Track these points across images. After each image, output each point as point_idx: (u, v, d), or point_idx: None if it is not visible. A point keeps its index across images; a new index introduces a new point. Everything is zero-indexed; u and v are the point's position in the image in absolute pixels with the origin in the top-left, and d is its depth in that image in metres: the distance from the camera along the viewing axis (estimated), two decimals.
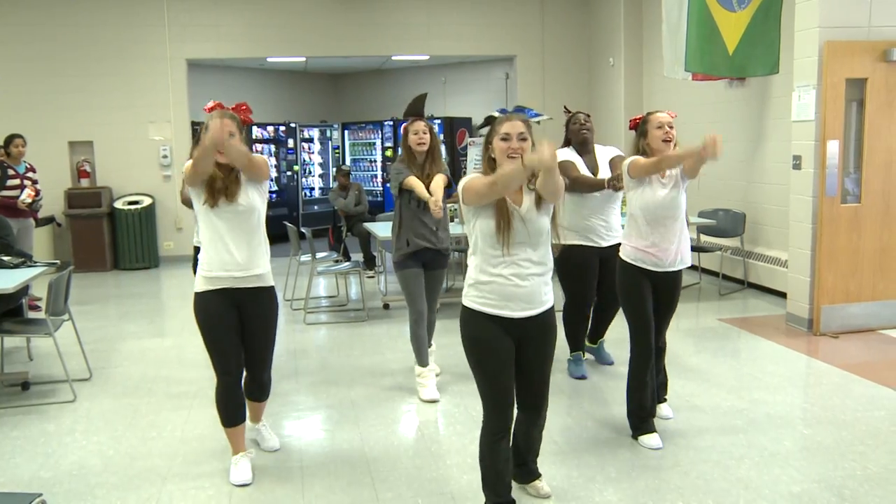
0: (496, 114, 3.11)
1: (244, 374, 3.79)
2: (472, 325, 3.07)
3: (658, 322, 4.11)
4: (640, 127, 4.10)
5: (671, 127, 3.97)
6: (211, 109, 3.62)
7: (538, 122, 3.15)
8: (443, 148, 12.90)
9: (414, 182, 4.68)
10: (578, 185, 4.83)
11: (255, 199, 3.61)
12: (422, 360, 4.92)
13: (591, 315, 5.22)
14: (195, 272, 4.65)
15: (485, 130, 3.19)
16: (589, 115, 5.13)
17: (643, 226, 3.97)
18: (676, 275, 4.05)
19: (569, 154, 4.98)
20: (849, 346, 5.82)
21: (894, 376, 5.04)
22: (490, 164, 3.05)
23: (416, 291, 4.86)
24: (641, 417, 4.08)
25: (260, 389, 3.91)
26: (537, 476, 3.47)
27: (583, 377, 5.09)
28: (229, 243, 3.56)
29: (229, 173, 3.57)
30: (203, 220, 3.60)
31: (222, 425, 3.77)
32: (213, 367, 3.68)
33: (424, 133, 4.77)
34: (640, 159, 3.94)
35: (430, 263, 4.88)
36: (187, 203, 4.25)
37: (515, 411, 3.19)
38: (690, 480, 3.62)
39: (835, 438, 4.07)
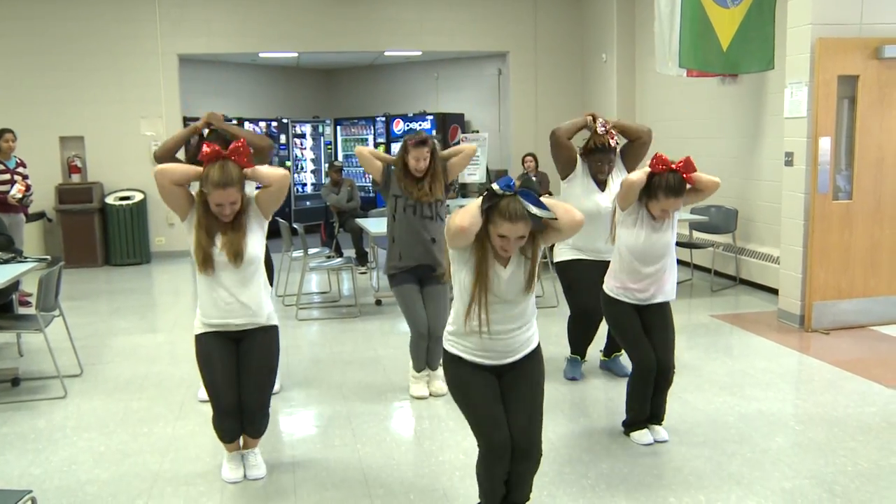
0: (496, 188, 2.75)
1: (244, 409, 3.62)
2: (452, 367, 3.01)
3: (659, 345, 4.01)
4: (651, 188, 3.80)
5: (664, 212, 3.82)
6: (207, 157, 3.33)
7: (541, 219, 2.77)
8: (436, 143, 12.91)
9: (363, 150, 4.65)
10: (559, 136, 4.72)
11: (255, 248, 3.48)
12: (418, 366, 4.87)
13: (597, 326, 5.04)
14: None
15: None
16: (615, 150, 4.78)
17: (628, 263, 3.93)
18: (664, 305, 4.03)
19: (579, 166, 4.84)
20: (840, 343, 5.84)
21: (885, 372, 5.05)
22: (479, 243, 2.83)
23: (413, 308, 4.71)
24: (634, 419, 4.09)
25: (255, 429, 3.65)
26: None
27: (574, 379, 5.05)
28: (227, 294, 3.46)
29: (233, 225, 3.42)
30: (198, 268, 3.46)
31: (220, 441, 3.70)
32: (211, 406, 3.59)
33: (425, 159, 4.57)
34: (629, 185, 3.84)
35: (426, 279, 4.74)
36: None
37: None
38: (682, 476, 3.63)
39: (826, 434, 4.09)
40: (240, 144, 3.40)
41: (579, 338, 5.11)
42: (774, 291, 6.91)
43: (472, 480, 3.55)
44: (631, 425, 4.10)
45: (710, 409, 4.45)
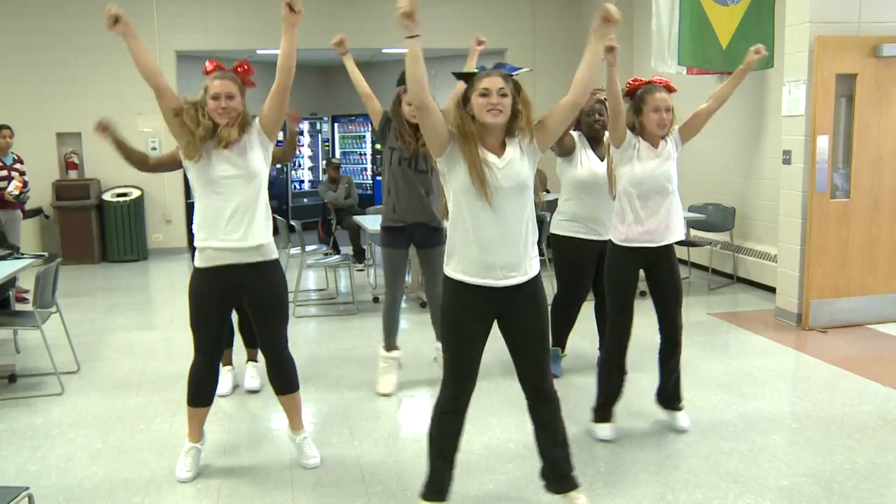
0: (476, 70, 2.91)
1: (265, 362, 3.69)
2: (449, 293, 2.97)
3: (668, 311, 4.00)
4: (635, 101, 3.84)
5: (668, 111, 3.79)
6: (210, 71, 3.46)
7: (515, 76, 2.92)
8: None
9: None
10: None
11: (255, 162, 3.42)
12: (389, 343, 4.86)
13: (577, 315, 4.99)
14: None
15: (459, 86, 3.01)
16: (604, 102, 4.64)
17: (634, 201, 3.82)
18: (669, 253, 3.94)
19: (577, 139, 4.73)
20: (837, 341, 5.85)
21: (882, 371, 5.06)
22: (464, 122, 2.86)
23: (396, 274, 4.74)
24: (601, 403, 4.04)
25: (285, 373, 3.67)
26: (573, 486, 3.18)
27: (555, 376, 4.98)
28: (225, 213, 3.37)
29: (235, 122, 3.40)
30: (196, 186, 3.42)
31: (187, 403, 3.68)
32: (193, 344, 3.61)
33: None
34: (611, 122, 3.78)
35: (422, 242, 4.72)
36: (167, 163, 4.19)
37: (523, 402, 3.13)
38: (680, 475, 3.63)
39: (823, 433, 4.09)
40: (243, 62, 3.49)
41: (563, 324, 4.96)
42: (772, 290, 6.92)
43: (470, 477, 3.57)
44: (598, 410, 4.04)
45: (708, 408, 4.45)
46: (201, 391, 3.66)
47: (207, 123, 3.40)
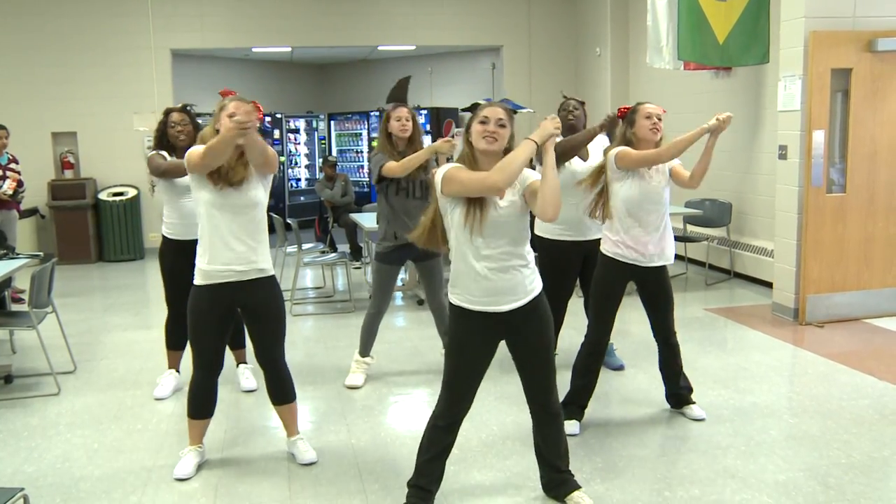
0: (482, 101, 3.08)
1: (264, 375, 3.76)
2: (454, 320, 3.08)
3: (659, 317, 4.11)
4: (628, 116, 4.04)
5: (660, 119, 3.94)
6: (226, 94, 3.54)
7: (516, 112, 3.11)
8: (429, 139, 12.90)
9: (393, 165, 4.59)
10: (571, 148, 4.56)
11: (259, 194, 3.58)
12: (364, 350, 5.00)
13: (564, 312, 4.95)
14: (162, 265, 4.66)
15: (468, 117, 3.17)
16: (583, 103, 4.92)
17: (625, 218, 3.92)
18: (660, 270, 4.03)
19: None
20: (834, 336, 5.85)
21: (879, 365, 5.07)
22: (469, 149, 3.01)
23: (384, 289, 4.87)
24: (567, 402, 4.05)
25: (282, 384, 3.77)
26: (575, 487, 3.29)
27: None
28: (231, 239, 3.50)
29: (238, 158, 3.48)
30: (204, 212, 3.51)
31: (188, 415, 3.74)
32: (192, 359, 3.66)
33: (407, 120, 4.70)
34: (632, 151, 3.89)
35: (420, 256, 4.79)
36: (163, 172, 4.30)
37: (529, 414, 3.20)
38: (677, 470, 3.63)
39: (820, 427, 4.10)
40: (256, 105, 3.54)
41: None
42: (769, 285, 6.92)
43: (468, 475, 3.57)
44: (565, 405, 4.01)
45: (705, 403, 4.45)
46: (201, 405, 3.72)
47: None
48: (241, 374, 4.93)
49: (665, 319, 4.14)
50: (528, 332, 3.08)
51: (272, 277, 3.68)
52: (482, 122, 2.94)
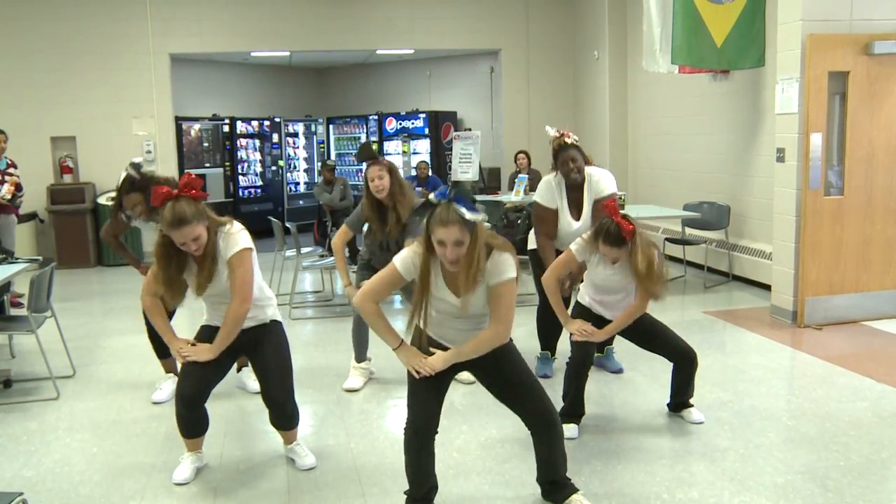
0: (433, 198, 2.92)
1: (268, 409, 3.74)
2: (416, 339, 3.22)
3: (662, 344, 4.18)
4: (597, 230, 3.98)
5: (616, 260, 3.93)
6: (161, 200, 3.29)
7: (474, 220, 2.87)
8: (427, 143, 12.91)
9: (337, 256, 4.87)
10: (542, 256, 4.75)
11: (224, 285, 3.53)
12: (359, 356, 5.03)
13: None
14: (153, 342, 4.78)
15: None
16: (579, 150, 4.66)
17: (595, 289, 4.12)
18: (637, 319, 4.10)
19: (553, 189, 4.75)
20: (832, 338, 5.86)
21: (877, 367, 5.07)
22: (425, 264, 3.03)
23: None
24: (564, 413, 4.09)
25: (287, 419, 3.76)
26: (573, 491, 3.31)
27: (546, 376, 4.99)
28: (222, 316, 3.54)
29: (202, 266, 3.43)
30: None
31: (181, 434, 3.71)
32: (175, 390, 3.68)
33: (381, 178, 4.64)
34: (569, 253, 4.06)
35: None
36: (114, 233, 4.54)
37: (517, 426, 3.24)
38: (675, 473, 3.63)
39: (818, 429, 4.10)
40: (191, 178, 3.35)
41: (549, 330, 5.02)
42: (767, 287, 6.93)
43: (466, 478, 3.57)
44: (563, 415, 4.08)
45: (703, 406, 4.45)
46: (188, 429, 3.68)
47: (178, 267, 3.48)
48: (248, 378, 4.92)
49: (671, 344, 4.18)
50: (493, 368, 3.18)
51: (274, 322, 3.69)
52: (440, 244, 2.91)
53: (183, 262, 3.45)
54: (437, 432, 3.16)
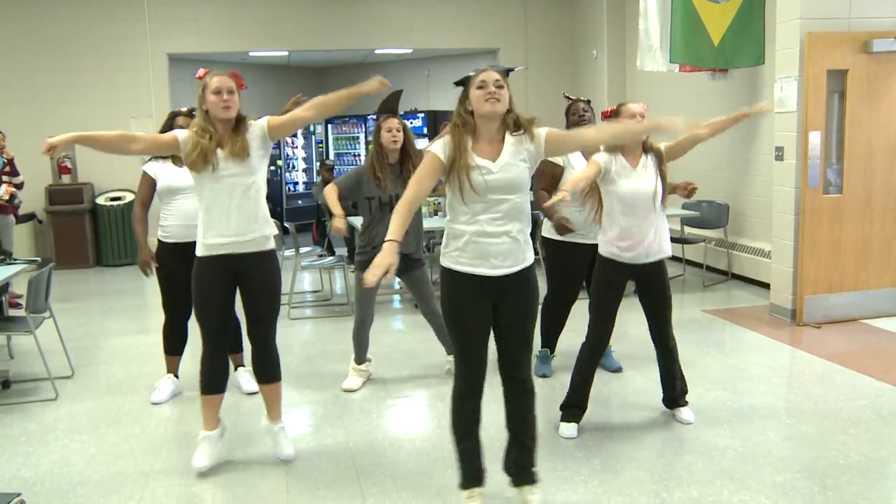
0: (472, 73, 3.07)
1: (251, 349, 3.81)
2: (447, 282, 3.08)
3: (656, 317, 4.10)
4: (612, 117, 4.06)
5: (643, 117, 3.92)
6: (203, 75, 3.62)
7: (509, 73, 3.09)
8: (426, 142, 12.89)
9: (329, 196, 4.70)
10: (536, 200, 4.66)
11: (257, 161, 3.60)
12: (359, 358, 5.01)
13: (566, 317, 5.00)
14: (158, 270, 4.81)
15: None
16: (589, 102, 4.93)
17: (620, 217, 3.90)
18: (659, 265, 4.02)
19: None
20: (831, 336, 5.86)
21: (876, 365, 5.07)
22: (462, 120, 3.03)
23: (365, 296, 4.88)
24: (566, 405, 4.11)
25: (269, 361, 3.81)
26: (532, 480, 3.26)
27: (545, 375, 4.98)
28: (227, 214, 3.55)
29: (233, 129, 3.56)
30: (199, 189, 3.58)
31: (201, 392, 3.77)
32: (200, 336, 3.72)
33: (398, 131, 4.69)
34: (593, 163, 3.87)
35: (401, 268, 4.76)
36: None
37: (499, 381, 3.21)
38: (675, 472, 3.63)
39: (818, 428, 4.10)
40: (236, 73, 3.65)
41: (552, 327, 5.00)
42: (766, 286, 6.93)
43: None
44: (564, 408, 4.10)
45: (702, 404, 4.46)
46: (212, 378, 3.76)
47: (212, 139, 3.54)
48: (242, 377, 4.93)
49: (663, 324, 4.13)
50: (513, 298, 3.07)
51: (271, 252, 3.72)
52: (480, 87, 2.96)
53: (215, 143, 3.54)
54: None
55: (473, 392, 3.13)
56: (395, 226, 2.93)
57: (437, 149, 3.02)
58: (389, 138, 4.68)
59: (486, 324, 3.08)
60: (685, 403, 4.28)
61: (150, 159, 4.78)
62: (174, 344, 4.82)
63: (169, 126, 4.60)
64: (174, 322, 4.77)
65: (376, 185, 4.70)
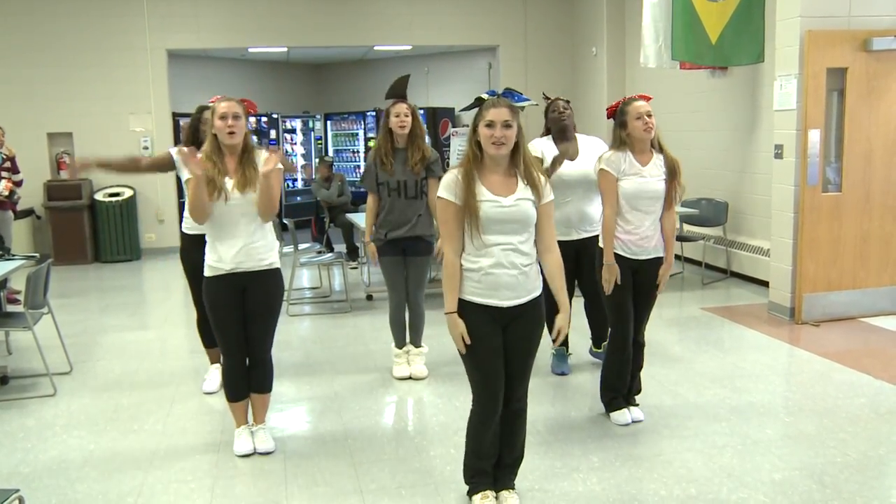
0: (485, 96, 3.10)
1: (248, 360, 3.90)
2: (461, 314, 3.09)
3: (639, 313, 4.13)
4: (618, 116, 4.03)
5: (650, 116, 3.92)
6: (215, 101, 3.69)
7: (522, 108, 3.14)
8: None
9: (367, 216, 4.87)
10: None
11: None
12: (398, 342, 5.06)
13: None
14: (185, 263, 4.68)
15: (471, 115, 3.15)
16: (568, 102, 4.99)
17: (625, 212, 3.96)
18: (657, 263, 4.04)
19: (543, 145, 4.83)
20: (830, 335, 5.86)
21: (874, 364, 5.08)
22: (475, 148, 3.05)
23: (395, 279, 4.93)
24: (613, 397, 4.20)
25: (262, 374, 3.92)
26: (507, 486, 3.31)
27: (563, 374, 5.01)
28: (233, 240, 3.67)
29: (240, 159, 3.65)
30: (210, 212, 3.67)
31: (227, 400, 3.95)
32: (220, 349, 3.88)
33: (406, 115, 4.72)
34: (605, 184, 3.98)
35: (409, 249, 4.87)
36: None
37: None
38: (673, 469, 3.63)
39: (816, 426, 4.10)
40: (244, 100, 3.75)
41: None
42: (765, 284, 6.93)
43: (462, 483, 3.56)
44: (610, 404, 4.19)
45: (701, 402, 4.46)
46: (236, 388, 3.91)
47: (220, 172, 3.64)
48: (211, 374, 4.92)
49: (643, 319, 4.20)
50: (519, 329, 3.12)
51: (277, 270, 3.83)
52: (488, 126, 2.98)
53: (224, 168, 3.65)
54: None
55: (493, 413, 3.15)
56: (449, 296, 3.05)
57: (447, 194, 3.04)
58: (398, 122, 4.72)
59: (500, 350, 3.12)
60: (636, 403, 4.29)
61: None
62: (210, 336, 4.72)
63: (197, 119, 4.55)
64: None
65: (384, 170, 4.76)
